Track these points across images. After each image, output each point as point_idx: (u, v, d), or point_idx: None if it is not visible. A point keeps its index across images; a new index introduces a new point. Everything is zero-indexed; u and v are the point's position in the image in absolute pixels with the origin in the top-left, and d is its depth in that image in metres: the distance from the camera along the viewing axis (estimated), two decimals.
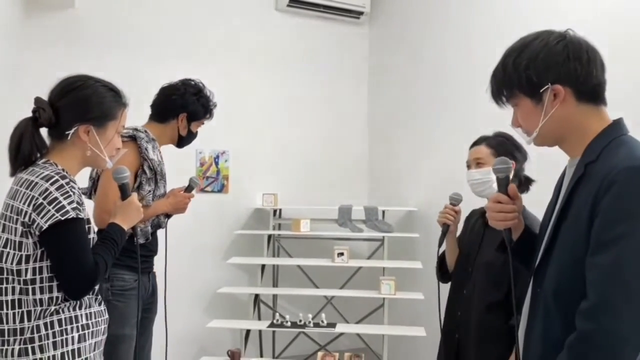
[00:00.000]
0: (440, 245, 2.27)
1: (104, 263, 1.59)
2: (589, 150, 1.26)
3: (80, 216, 1.54)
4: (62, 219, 1.49)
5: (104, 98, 1.65)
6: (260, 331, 4.02)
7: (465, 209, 2.32)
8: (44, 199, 1.49)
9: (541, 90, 1.26)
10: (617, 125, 1.28)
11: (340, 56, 4.85)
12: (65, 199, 1.51)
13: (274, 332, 4.24)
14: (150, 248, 2.50)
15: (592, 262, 1.15)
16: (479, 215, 2.27)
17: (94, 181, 2.39)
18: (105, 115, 1.65)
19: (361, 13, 4.78)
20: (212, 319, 3.92)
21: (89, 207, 1.75)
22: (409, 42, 4.40)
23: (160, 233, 2.59)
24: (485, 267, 2.06)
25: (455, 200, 2.28)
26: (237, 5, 4.46)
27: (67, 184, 1.54)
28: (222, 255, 4.32)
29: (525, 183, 2.16)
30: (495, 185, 2.07)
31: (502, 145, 2.15)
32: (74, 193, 1.54)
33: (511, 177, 1.43)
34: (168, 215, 2.55)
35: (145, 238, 2.40)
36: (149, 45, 4.10)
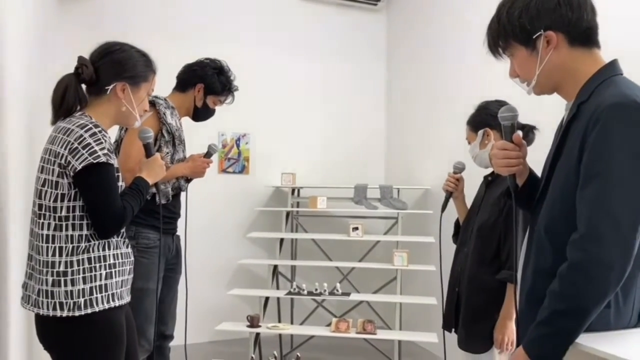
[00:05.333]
0: (443, 209, 2.42)
1: (130, 208, 1.78)
2: (582, 91, 1.31)
3: (110, 161, 1.72)
4: (94, 162, 1.67)
5: (138, 61, 1.86)
6: (278, 299, 4.21)
7: (470, 178, 2.46)
8: (79, 143, 1.68)
9: (534, 37, 1.32)
10: (611, 66, 1.32)
11: (358, 41, 5.00)
12: (97, 144, 1.69)
13: (292, 301, 4.44)
14: (174, 210, 2.66)
15: (581, 195, 1.21)
16: (483, 180, 2.38)
17: (117, 144, 2.55)
18: (139, 75, 1.85)
19: (378, 0, 4.92)
20: (234, 288, 4.14)
21: None
22: (426, 27, 4.51)
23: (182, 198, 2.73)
24: (480, 225, 2.20)
25: (457, 169, 2.41)
26: None
27: (100, 132, 1.73)
28: (243, 232, 4.53)
29: (526, 133, 2.17)
30: (483, 154, 2.23)
31: (475, 118, 2.27)
32: (105, 141, 1.72)
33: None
34: (188, 180, 2.70)
35: (166, 199, 2.56)
36: (175, 29, 4.32)
